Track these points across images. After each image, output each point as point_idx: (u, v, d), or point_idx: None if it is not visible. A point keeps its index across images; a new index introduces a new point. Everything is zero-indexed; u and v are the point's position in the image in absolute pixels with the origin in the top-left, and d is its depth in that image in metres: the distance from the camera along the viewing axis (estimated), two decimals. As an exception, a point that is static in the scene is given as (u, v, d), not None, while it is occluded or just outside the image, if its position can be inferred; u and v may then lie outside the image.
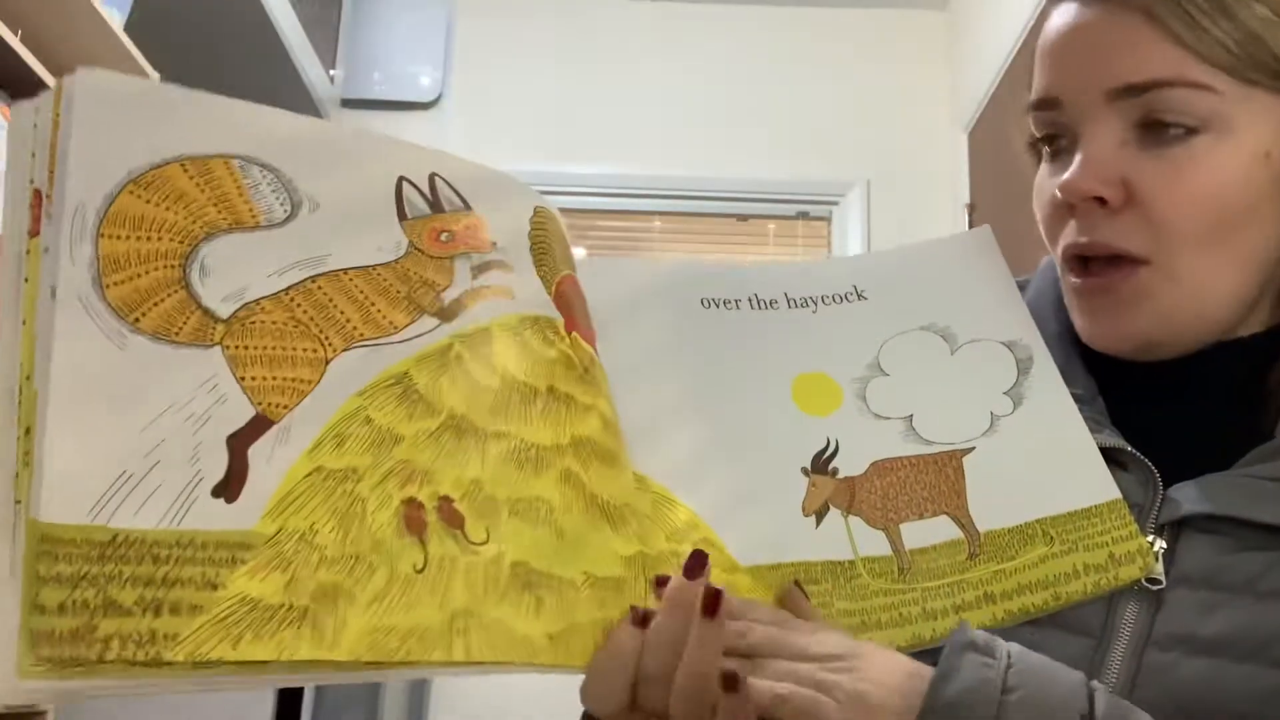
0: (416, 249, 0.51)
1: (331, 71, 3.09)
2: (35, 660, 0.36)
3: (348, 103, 3.17)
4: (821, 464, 0.58)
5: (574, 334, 0.55)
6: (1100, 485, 0.57)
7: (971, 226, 2.77)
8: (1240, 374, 0.59)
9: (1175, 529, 0.56)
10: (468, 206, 0.54)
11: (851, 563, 0.56)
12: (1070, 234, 0.59)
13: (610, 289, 0.61)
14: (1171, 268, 0.57)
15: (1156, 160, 0.56)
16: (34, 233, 0.43)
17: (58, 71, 1.94)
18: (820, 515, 0.57)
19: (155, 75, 2.09)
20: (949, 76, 3.16)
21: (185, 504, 0.40)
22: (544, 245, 0.56)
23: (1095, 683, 0.47)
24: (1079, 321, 0.61)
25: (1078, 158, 0.57)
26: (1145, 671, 0.52)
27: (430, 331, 0.49)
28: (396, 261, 0.50)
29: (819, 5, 3.24)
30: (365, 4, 3.25)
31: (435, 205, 0.53)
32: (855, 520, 0.57)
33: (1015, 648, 0.48)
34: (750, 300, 0.63)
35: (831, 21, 3.24)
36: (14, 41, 1.67)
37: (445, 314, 0.50)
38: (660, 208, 3.16)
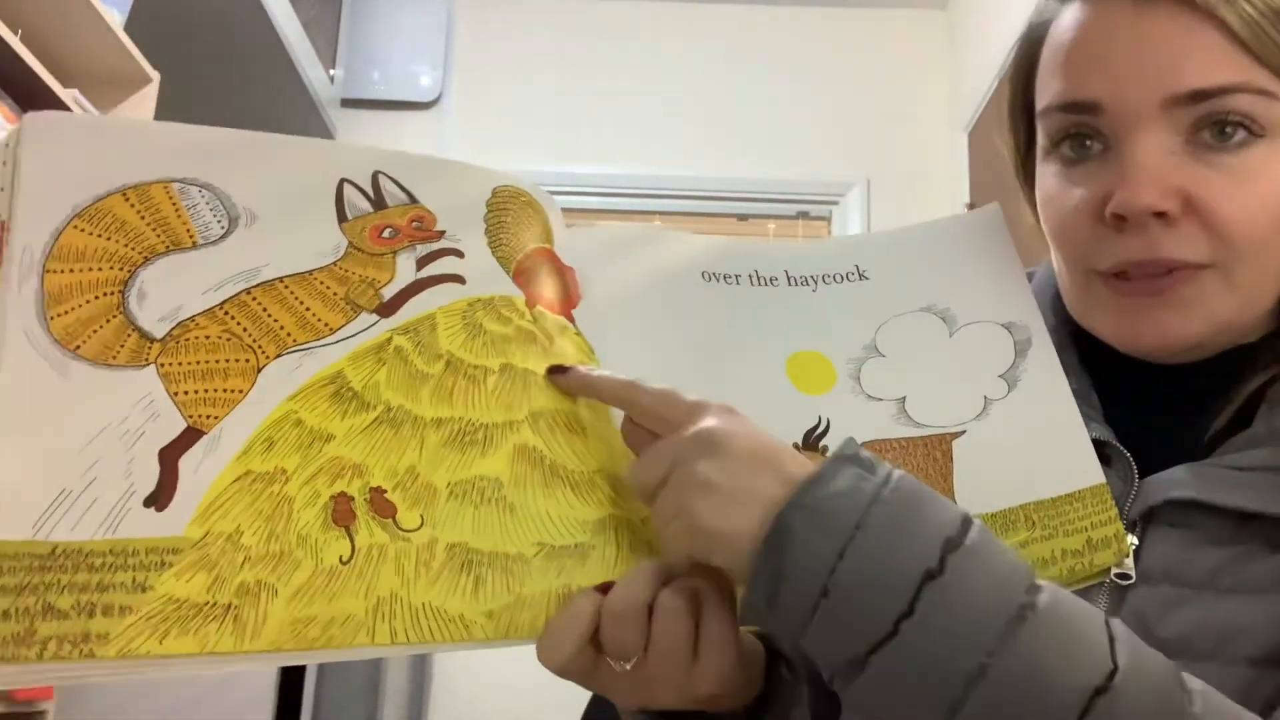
0: (355, 248, 0.53)
1: (331, 71, 3.09)
2: None
3: (348, 103, 3.18)
4: (812, 441, 0.58)
5: (537, 308, 0.56)
6: (1086, 469, 0.57)
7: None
8: (1243, 380, 0.58)
9: (1145, 523, 0.56)
10: (413, 200, 0.55)
11: None
12: (1122, 250, 0.56)
13: (609, 255, 0.61)
14: (1230, 273, 0.55)
15: (1213, 169, 0.54)
16: None
17: (58, 72, 1.95)
18: None
19: (155, 75, 2.09)
20: (949, 76, 3.16)
21: (119, 515, 0.44)
22: (502, 224, 0.57)
23: (976, 519, 0.46)
24: (1115, 323, 0.58)
25: (1127, 169, 0.55)
26: None
27: (368, 329, 0.51)
28: (335, 264, 0.52)
29: (819, 5, 3.24)
30: (365, 4, 3.25)
31: (378, 203, 0.54)
32: None
33: (903, 474, 0.46)
34: (751, 276, 0.63)
35: (832, 21, 3.24)
36: (14, 41, 1.67)
37: (385, 309, 0.52)
38: (660, 208, 3.16)
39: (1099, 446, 0.58)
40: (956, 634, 0.42)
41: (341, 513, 0.47)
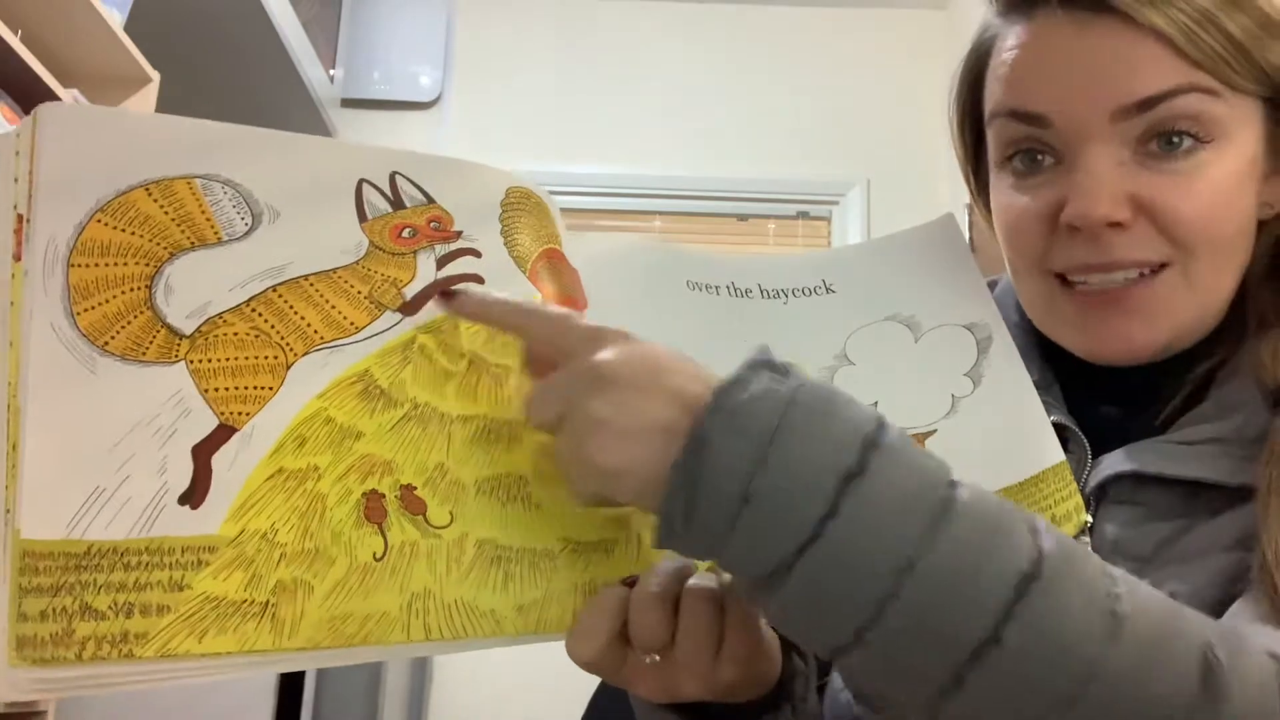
0: (376, 248, 0.53)
1: (331, 71, 3.09)
2: (20, 661, 0.40)
3: (348, 103, 3.18)
4: None
5: None
6: (1047, 449, 0.60)
7: (971, 226, 2.77)
8: (1200, 375, 0.60)
9: (1097, 501, 0.58)
10: (430, 200, 0.56)
11: None
12: (1078, 255, 0.58)
13: (604, 264, 0.63)
14: (1188, 271, 0.57)
15: (1162, 175, 0.56)
16: (17, 256, 0.46)
17: (58, 72, 1.95)
18: None
19: (155, 75, 2.09)
20: (949, 76, 3.16)
21: (153, 513, 0.43)
22: (517, 224, 0.58)
23: (888, 419, 0.45)
24: (1079, 335, 0.61)
25: (1080, 180, 0.57)
26: None
27: (392, 327, 0.51)
28: (357, 262, 0.52)
29: (819, 5, 3.24)
30: (365, 4, 3.25)
31: (396, 203, 0.55)
32: None
33: (817, 380, 0.45)
34: (729, 288, 0.66)
35: (831, 21, 3.24)
36: (14, 42, 1.67)
37: (408, 308, 0.52)
38: (660, 208, 3.16)
39: (1058, 430, 0.61)
40: (881, 530, 0.41)
41: (374, 510, 0.47)
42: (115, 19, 1.95)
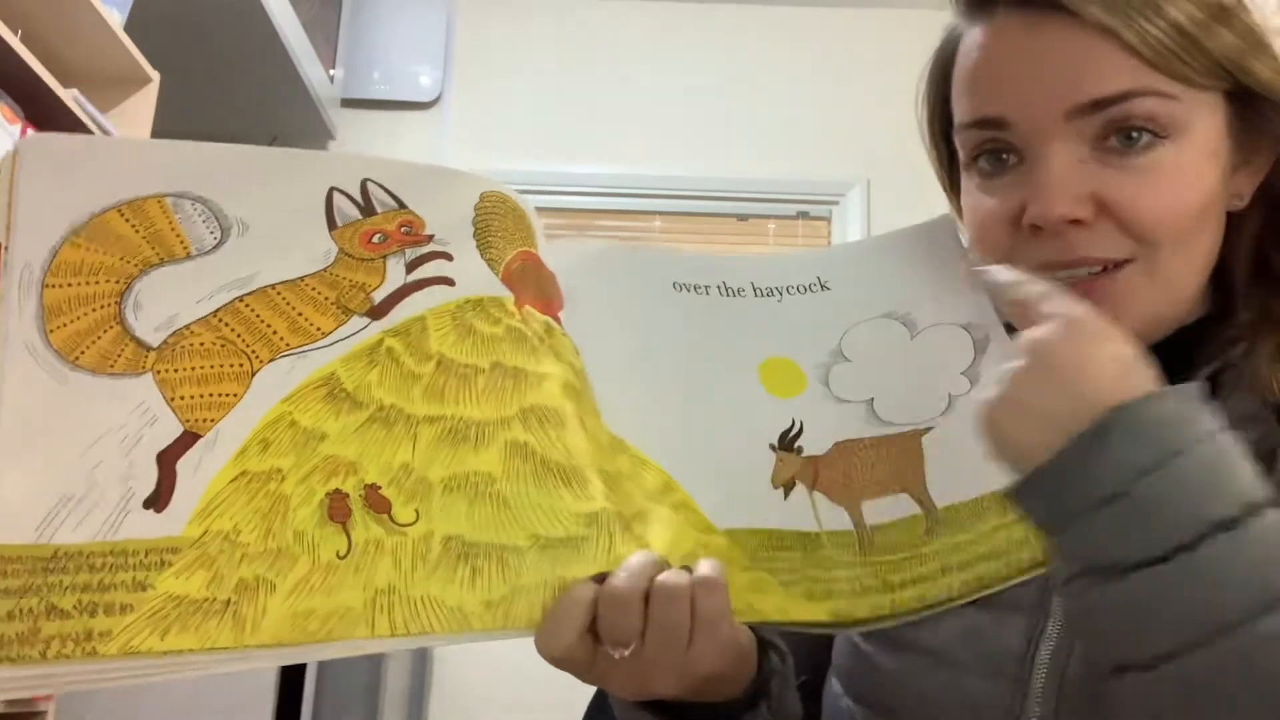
0: (345, 254, 0.55)
1: (331, 71, 3.09)
2: None
3: (348, 103, 3.17)
4: (788, 442, 0.61)
5: (525, 308, 0.57)
6: None
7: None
8: (1180, 363, 0.60)
9: None
10: (402, 205, 0.57)
11: (817, 535, 0.58)
12: (1042, 254, 0.58)
13: (584, 267, 0.63)
14: (1152, 266, 0.58)
15: (1123, 171, 0.57)
16: None
17: (58, 72, 1.95)
18: (788, 489, 0.59)
19: (155, 75, 2.09)
20: (949, 76, 3.16)
21: (119, 518, 0.45)
22: (490, 228, 0.59)
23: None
24: None
25: (1039, 180, 0.57)
26: (1081, 643, 0.55)
27: (359, 331, 0.53)
28: (325, 270, 0.54)
29: (819, 5, 3.24)
30: (365, 4, 3.25)
31: (367, 209, 0.56)
32: (819, 496, 0.59)
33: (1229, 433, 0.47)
34: (720, 287, 0.66)
35: (831, 21, 3.23)
36: (14, 41, 1.67)
37: (376, 312, 0.54)
38: (660, 208, 3.16)
39: None
40: (1226, 587, 0.42)
41: (337, 509, 0.48)
42: (115, 19, 1.95)
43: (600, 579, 0.50)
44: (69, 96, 1.83)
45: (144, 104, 2.08)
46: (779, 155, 3.13)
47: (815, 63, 3.21)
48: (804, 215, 3.17)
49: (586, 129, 3.16)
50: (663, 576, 0.49)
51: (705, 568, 0.50)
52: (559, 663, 0.49)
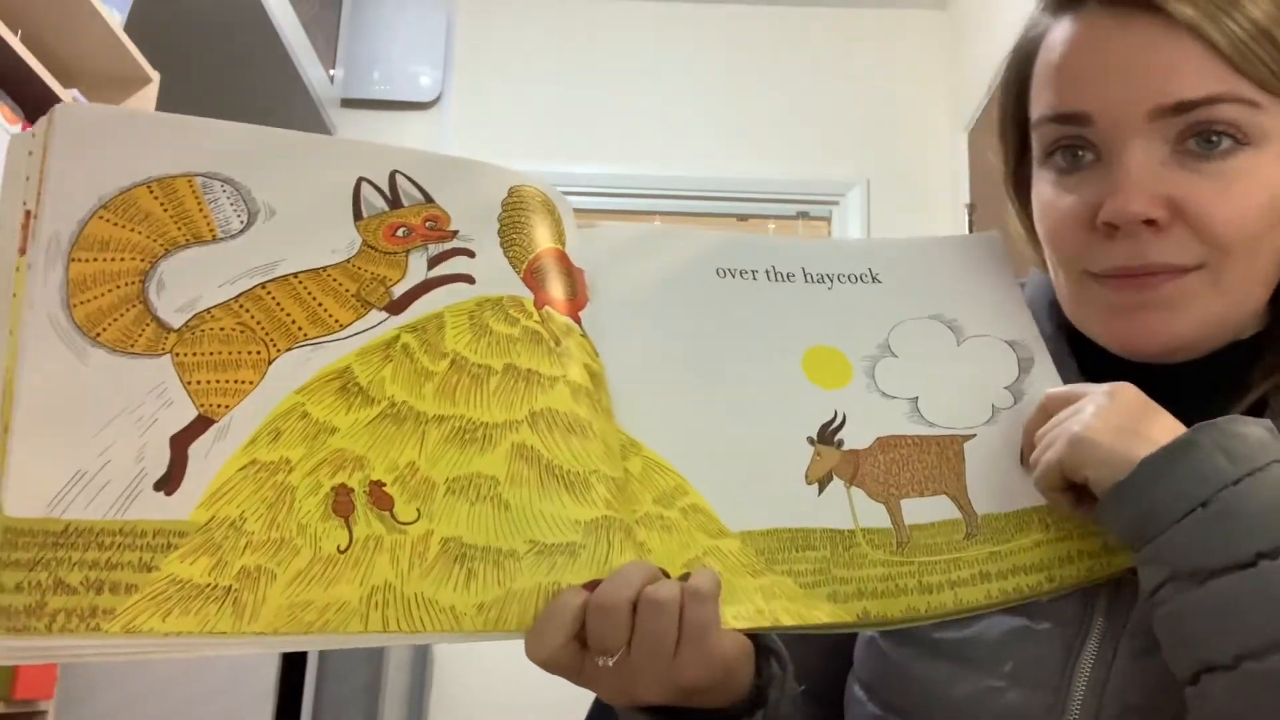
0: (369, 246, 0.54)
1: (331, 71, 3.09)
2: None
3: (348, 103, 3.18)
4: (828, 435, 0.60)
5: (545, 308, 0.56)
6: None
7: (971, 226, 2.77)
8: (1239, 376, 0.60)
9: None
10: (429, 199, 0.56)
11: (851, 532, 0.57)
12: (1115, 256, 0.58)
13: (620, 254, 0.62)
14: (1219, 274, 0.57)
15: (1201, 176, 0.56)
16: (22, 250, 0.48)
17: (58, 72, 1.95)
18: (823, 484, 0.58)
19: (155, 75, 2.09)
20: (949, 76, 3.16)
21: (130, 497, 0.45)
22: (515, 224, 0.58)
23: None
24: (1107, 322, 0.60)
25: (1117, 178, 0.57)
26: (1121, 656, 0.55)
27: (376, 326, 0.53)
28: (348, 261, 0.54)
29: (819, 5, 3.24)
30: (365, 4, 3.25)
31: (394, 202, 0.56)
32: (857, 492, 0.58)
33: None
34: (768, 272, 0.65)
35: (831, 21, 3.24)
36: (14, 41, 1.67)
37: (394, 307, 0.54)
38: (660, 208, 3.16)
39: None
40: None
41: (341, 504, 0.49)
42: (115, 19, 1.95)
43: (593, 586, 0.50)
44: (69, 96, 1.83)
45: (144, 104, 2.08)
46: (779, 155, 3.14)
47: (815, 63, 3.21)
48: (804, 215, 3.18)
49: (586, 129, 3.16)
50: (652, 587, 0.49)
51: (698, 579, 0.50)
52: (546, 666, 0.50)
